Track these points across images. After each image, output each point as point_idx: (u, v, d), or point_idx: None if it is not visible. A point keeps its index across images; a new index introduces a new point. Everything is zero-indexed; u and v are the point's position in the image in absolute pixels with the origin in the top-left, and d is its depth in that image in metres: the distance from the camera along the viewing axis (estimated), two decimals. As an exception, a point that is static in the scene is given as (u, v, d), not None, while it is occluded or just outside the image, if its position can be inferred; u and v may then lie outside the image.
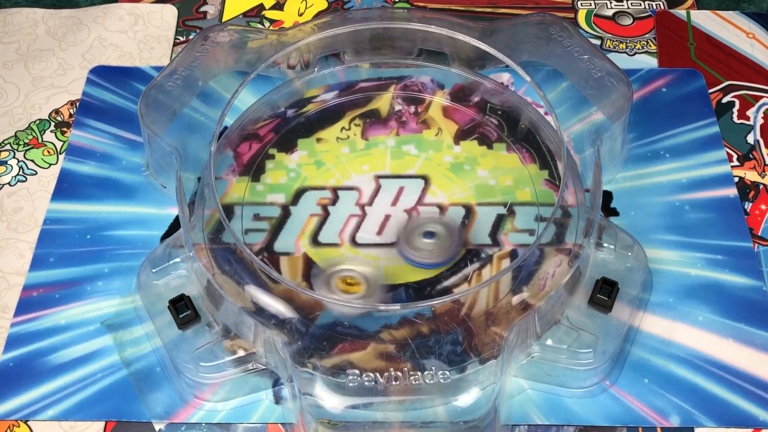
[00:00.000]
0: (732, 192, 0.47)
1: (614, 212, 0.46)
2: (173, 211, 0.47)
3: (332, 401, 0.38)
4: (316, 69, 0.51)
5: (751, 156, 0.49)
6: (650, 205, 0.46)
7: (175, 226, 0.46)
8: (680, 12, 0.57)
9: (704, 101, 0.51)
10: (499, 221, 0.45)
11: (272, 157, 0.48)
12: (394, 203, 0.46)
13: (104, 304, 0.43)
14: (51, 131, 0.51)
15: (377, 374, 0.38)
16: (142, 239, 0.45)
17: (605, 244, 0.43)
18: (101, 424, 0.40)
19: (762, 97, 0.52)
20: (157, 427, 0.40)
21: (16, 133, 0.51)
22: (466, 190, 0.46)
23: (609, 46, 0.54)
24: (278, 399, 0.40)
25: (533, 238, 0.44)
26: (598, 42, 0.55)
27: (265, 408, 0.40)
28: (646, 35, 0.55)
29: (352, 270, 0.43)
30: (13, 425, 0.40)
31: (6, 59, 0.54)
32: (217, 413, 0.40)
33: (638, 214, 0.46)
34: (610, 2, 0.57)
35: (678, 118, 0.50)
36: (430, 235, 0.44)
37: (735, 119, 0.51)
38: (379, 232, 0.45)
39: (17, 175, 0.49)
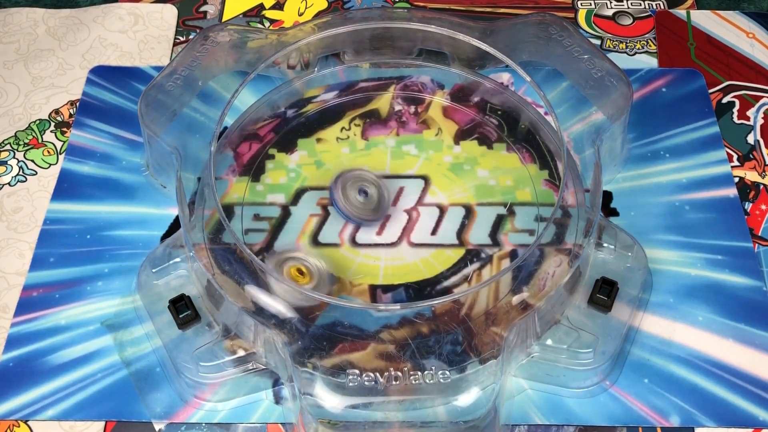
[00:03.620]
0: (732, 192, 0.47)
1: (614, 212, 0.46)
2: (173, 211, 0.47)
3: (332, 401, 0.38)
4: (316, 69, 0.51)
5: (751, 156, 0.49)
6: (650, 205, 0.46)
7: (175, 226, 0.46)
8: (680, 12, 0.57)
9: (704, 101, 0.51)
10: (499, 221, 0.45)
11: (272, 157, 0.48)
12: (394, 203, 0.46)
13: (104, 304, 0.43)
14: (51, 131, 0.51)
15: (377, 374, 0.38)
16: (142, 239, 0.45)
17: (605, 244, 0.43)
18: (101, 424, 0.40)
19: (762, 97, 0.52)
20: (157, 427, 0.40)
21: (16, 133, 0.51)
22: (466, 190, 0.46)
23: (609, 46, 0.54)
24: (278, 399, 0.40)
25: (533, 238, 0.44)
26: (598, 42, 0.55)
27: (265, 408, 0.40)
28: (646, 35, 0.55)
29: (305, 260, 0.43)
30: (13, 425, 0.40)
31: (6, 59, 0.54)
32: (217, 413, 0.40)
33: (638, 214, 0.46)
34: (610, 2, 0.57)
35: (678, 118, 0.50)
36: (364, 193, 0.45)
37: (735, 119, 0.51)
38: (379, 232, 0.45)
39: (17, 175, 0.49)
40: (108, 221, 0.46)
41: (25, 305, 0.43)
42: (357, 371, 0.38)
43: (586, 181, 0.46)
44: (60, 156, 0.49)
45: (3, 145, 0.50)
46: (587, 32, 0.55)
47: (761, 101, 0.52)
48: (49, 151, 0.50)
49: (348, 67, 0.52)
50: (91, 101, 0.52)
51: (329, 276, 0.42)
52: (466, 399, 0.38)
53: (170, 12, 0.57)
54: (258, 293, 0.41)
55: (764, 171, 0.48)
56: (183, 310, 0.40)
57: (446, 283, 0.43)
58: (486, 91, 0.50)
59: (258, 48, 0.50)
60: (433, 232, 0.45)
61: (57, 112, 0.52)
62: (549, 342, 0.40)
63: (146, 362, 0.41)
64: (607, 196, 0.47)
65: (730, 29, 0.55)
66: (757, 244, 0.45)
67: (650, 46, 0.54)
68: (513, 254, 0.44)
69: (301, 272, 0.42)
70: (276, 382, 0.40)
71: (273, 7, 0.58)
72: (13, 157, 0.50)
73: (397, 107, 0.50)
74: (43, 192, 0.48)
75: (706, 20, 0.56)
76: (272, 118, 0.50)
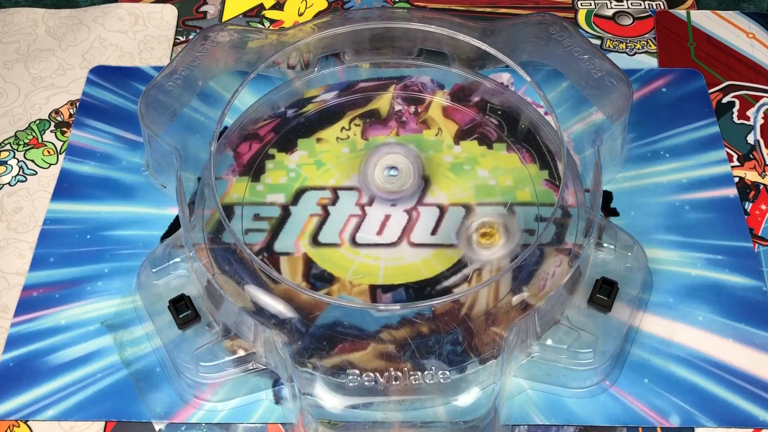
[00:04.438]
0: (732, 192, 0.47)
1: (614, 212, 0.46)
2: (173, 211, 0.47)
3: (332, 401, 0.38)
4: (316, 69, 0.51)
5: (751, 156, 0.49)
6: (650, 205, 0.46)
7: (175, 226, 0.46)
8: (680, 12, 0.57)
9: (704, 101, 0.51)
10: (499, 221, 0.45)
11: (272, 157, 0.48)
12: (394, 203, 0.46)
13: (104, 304, 0.43)
14: (51, 131, 0.51)
15: (377, 374, 0.38)
16: (142, 239, 0.45)
17: (605, 244, 0.43)
18: (101, 424, 0.40)
19: (762, 97, 0.52)
20: (157, 427, 0.40)
21: (16, 133, 0.51)
22: (466, 190, 0.46)
23: (609, 46, 0.54)
24: (278, 399, 0.40)
25: (533, 238, 0.44)
26: (598, 42, 0.55)
27: (265, 408, 0.40)
28: (646, 35, 0.55)
29: (487, 221, 0.43)
30: (13, 425, 0.40)
31: (6, 59, 0.54)
32: (217, 413, 0.40)
33: (638, 214, 0.46)
34: (610, 2, 0.57)
35: (678, 118, 0.50)
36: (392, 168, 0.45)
37: (735, 119, 0.51)
38: (379, 232, 0.45)
39: (17, 175, 0.49)
40: (108, 221, 0.46)
41: (25, 305, 0.43)
42: (357, 371, 0.38)
43: (586, 181, 0.46)
44: (60, 156, 0.49)
45: (3, 145, 0.50)
46: (587, 32, 0.55)
47: (761, 101, 0.52)
48: (49, 151, 0.50)
49: (348, 67, 0.52)
50: (91, 101, 0.52)
51: (517, 230, 0.42)
52: (466, 399, 0.38)
53: (170, 12, 0.57)
54: (258, 293, 0.41)
55: (764, 171, 0.48)
56: (183, 310, 0.40)
57: (446, 283, 0.43)
58: (486, 91, 0.50)
59: (258, 48, 0.50)
60: (433, 232, 0.45)
61: (57, 112, 0.52)
62: (549, 342, 0.40)
63: (146, 362, 0.41)
64: (607, 196, 0.47)
65: (730, 29, 0.55)
66: (757, 244, 0.45)
67: (650, 46, 0.54)
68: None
69: (487, 235, 0.42)
70: (276, 382, 0.40)
71: (273, 7, 0.58)
72: (13, 157, 0.50)
73: (397, 107, 0.50)
74: (43, 192, 0.48)
75: (706, 20, 0.56)
76: (272, 118, 0.50)
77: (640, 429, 0.39)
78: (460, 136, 0.49)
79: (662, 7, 0.57)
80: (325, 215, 0.46)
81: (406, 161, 0.45)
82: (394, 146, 0.46)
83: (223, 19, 0.57)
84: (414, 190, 0.46)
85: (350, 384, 0.38)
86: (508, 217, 0.42)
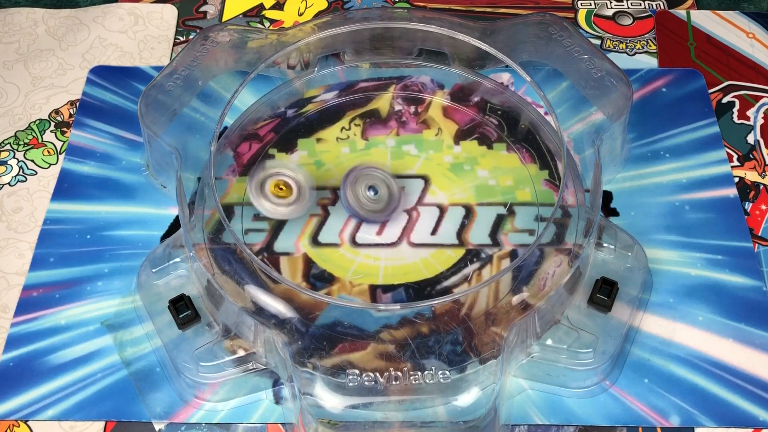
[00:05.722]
0: (732, 192, 0.47)
1: (614, 212, 0.46)
2: (173, 211, 0.47)
3: (332, 401, 0.38)
4: (316, 69, 0.51)
5: (751, 156, 0.49)
6: (650, 205, 0.46)
7: (175, 226, 0.46)
8: (680, 12, 0.57)
9: (704, 101, 0.51)
10: (499, 221, 0.45)
11: (272, 157, 0.48)
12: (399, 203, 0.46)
13: (104, 304, 0.43)
14: (51, 131, 0.51)
15: (377, 374, 0.38)
16: (142, 239, 0.45)
17: (605, 244, 0.43)
18: (101, 424, 0.40)
19: (762, 97, 0.52)
20: (157, 427, 0.40)
21: (16, 133, 0.51)
22: (466, 190, 0.46)
23: (609, 46, 0.54)
24: (278, 399, 0.40)
25: (533, 238, 0.44)
26: (598, 42, 0.55)
27: (265, 408, 0.40)
28: (646, 35, 0.55)
29: (284, 174, 0.43)
30: (13, 425, 0.40)
31: (6, 59, 0.54)
32: (217, 413, 0.40)
33: (638, 214, 0.46)
34: (610, 2, 0.57)
35: (678, 118, 0.50)
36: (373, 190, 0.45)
37: (735, 119, 0.51)
38: (379, 232, 0.45)
39: (17, 175, 0.49)
40: (108, 221, 0.46)
41: (25, 305, 0.43)
42: (357, 371, 0.38)
43: (586, 181, 0.46)
44: (60, 156, 0.49)
45: (3, 145, 0.50)
46: (587, 32, 0.55)
47: (761, 101, 0.52)
48: (49, 151, 0.50)
49: (348, 67, 0.52)
50: (91, 101, 0.52)
51: (310, 188, 0.42)
52: (466, 399, 0.38)
53: (170, 12, 0.57)
54: (258, 293, 0.41)
55: (764, 171, 0.48)
56: (183, 310, 0.40)
57: (446, 283, 0.43)
58: (486, 91, 0.50)
59: (258, 48, 0.50)
60: (433, 232, 0.45)
61: (57, 112, 0.52)
62: (549, 342, 0.40)
63: (146, 362, 0.41)
64: (607, 196, 0.47)
65: (730, 29, 0.55)
66: (757, 244, 0.45)
67: (650, 46, 0.54)
68: (513, 254, 0.44)
69: (281, 188, 0.42)
70: (276, 382, 0.40)
71: (273, 7, 0.58)
72: (13, 157, 0.50)
73: (397, 107, 0.50)
74: (43, 192, 0.48)
75: (706, 20, 0.56)
76: (272, 118, 0.50)
77: (640, 429, 0.39)
78: (460, 136, 0.49)
79: (662, 7, 0.57)
80: (325, 215, 0.46)
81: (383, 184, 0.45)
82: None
83: (223, 19, 0.57)
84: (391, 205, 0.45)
85: (350, 384, 0.38)
86: (306, 176, 0.42)
